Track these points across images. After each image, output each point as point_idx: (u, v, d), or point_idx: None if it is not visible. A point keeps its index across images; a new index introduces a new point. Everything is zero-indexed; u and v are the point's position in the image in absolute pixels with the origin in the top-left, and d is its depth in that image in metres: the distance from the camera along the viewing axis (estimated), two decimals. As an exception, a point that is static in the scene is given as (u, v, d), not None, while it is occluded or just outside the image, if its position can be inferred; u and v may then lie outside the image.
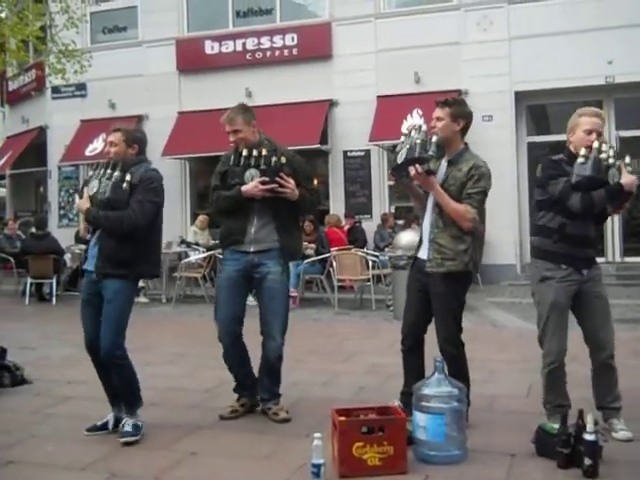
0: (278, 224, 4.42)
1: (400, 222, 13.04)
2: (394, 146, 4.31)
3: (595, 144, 3.91)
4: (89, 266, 4.25)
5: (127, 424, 4.19)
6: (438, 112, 4.22)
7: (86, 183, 4.28)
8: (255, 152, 4.37)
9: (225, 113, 4.49)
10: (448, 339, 4.22)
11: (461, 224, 4.12)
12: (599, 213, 4.09)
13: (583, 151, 3.90)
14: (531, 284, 4.30)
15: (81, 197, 4.24)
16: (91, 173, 4.29)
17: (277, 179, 4.30)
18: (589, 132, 4.00)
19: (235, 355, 4.59)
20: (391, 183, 4.34)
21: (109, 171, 4.12)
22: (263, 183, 4.30)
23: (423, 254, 4.28)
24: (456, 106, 4.24)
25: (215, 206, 4.59)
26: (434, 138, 4.07)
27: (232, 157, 4.47)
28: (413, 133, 4.13)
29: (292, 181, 4.34)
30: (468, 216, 4.09)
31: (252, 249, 4.44)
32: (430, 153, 4.05)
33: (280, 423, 4.41)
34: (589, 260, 4.11)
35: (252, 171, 4.35)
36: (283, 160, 4.35)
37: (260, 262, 4.42)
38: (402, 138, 4.23)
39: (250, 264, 4.45)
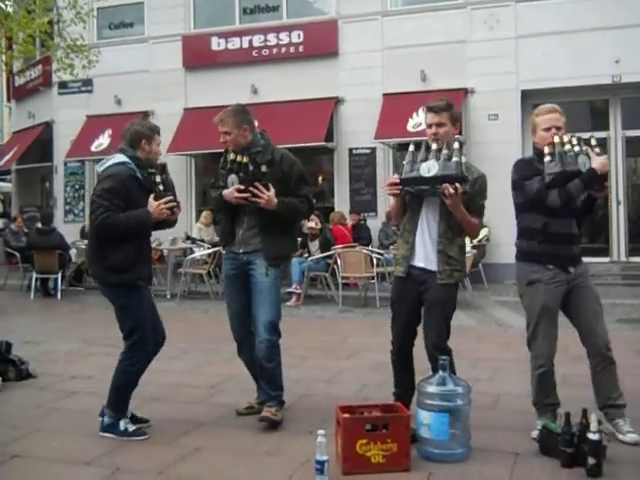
0: (262, 228, 4.40)
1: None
2: (412, 155, 4.02)
3: (556, 139, 3.93)
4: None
5: None
6: (437, 118, 4.05)
7: None
8: (239, 158, 4.36)
9: (219, 113, 4.48)
10: (439, 346, 4.09)
11: (471, 235, 4.29)
12: (584, 208, 4.06)
13: (547, 149, 3.93)
14: (518, 287, 4.29)
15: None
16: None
17: (251, 189, 4.27)
18: (547, 129, 4.02)
19: (246, 352, 4.59)
20: (395, 190, 3.96)
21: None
22: (238, 191, 4.31)
23: (423, 263, 4.12)
24: (453, 109, 4.14)
25: (211, 204, 4.63)
26: (464, 158, 3.97)
27: (222, 159, 4.51)
28: (434, 146, 3.96)
29: (268, 192, 4.27)
30: (478, 228, 4.28)
31: (241, 250, 4.49)
32: (467, 174, 3.97)
33: (261, 422, 4.29)
34: (575, 258, 4.10)
35: (233, 177, 4.39)
36: (263, 169, 4.33)
37: (249, 260, 4.46)
38: (412, 147, 4.04)
39: (242, 262, 4.49)
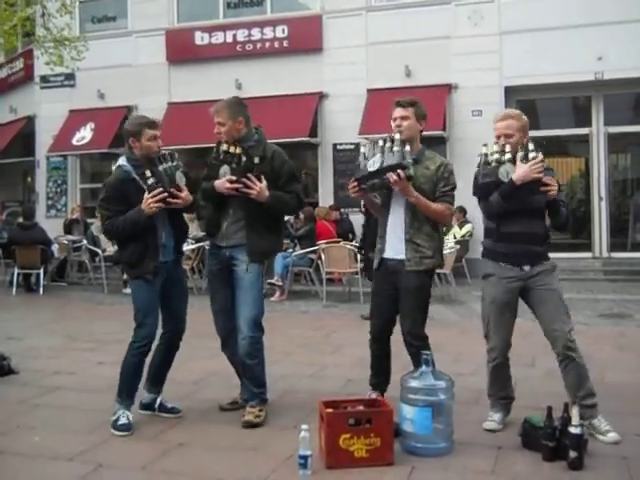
0: (248, 223, 4.37)
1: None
2: (363, 155, 4.23)
3: (483, 149, 4.01)
4: None
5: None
6: (402, 111, 4.26)
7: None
8: (232, 149, 4.35)
9: (214, 105, 4.47)
10: (413, 332, 4.26)
11: (442, 222, 4.40)
12: (549, 207, 4.01)
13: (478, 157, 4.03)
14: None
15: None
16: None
17: (243, 179, 4.26)
18: (497, 137, 4.07)
19: (230, 348, 4.56)
20: (353, 193, 4.28)
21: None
22: (230, 182, 4.30)
23: (393, 254, 4.32)
24: (419, 107, 4.32)
25: (200, 195, 4.57)
26: (407, 147, 4.14)
27: (214, 150, 4.48)
28: (380, 142, 4.17)
29: (260, 184, 4.26)
30: (448, 213, 4.36)
31: (224, 244, 4.46)
32: (409, 160, 4.12)
33: (243, 426, 4.25)
34: (532, 256, 4.05)
35: (225, 168, 4.37)
36: (256, 160, 4.31)
37: (232, 256, 4.43)
38: (363, 148, 4.26)
39: (225, 258, 4.47)
